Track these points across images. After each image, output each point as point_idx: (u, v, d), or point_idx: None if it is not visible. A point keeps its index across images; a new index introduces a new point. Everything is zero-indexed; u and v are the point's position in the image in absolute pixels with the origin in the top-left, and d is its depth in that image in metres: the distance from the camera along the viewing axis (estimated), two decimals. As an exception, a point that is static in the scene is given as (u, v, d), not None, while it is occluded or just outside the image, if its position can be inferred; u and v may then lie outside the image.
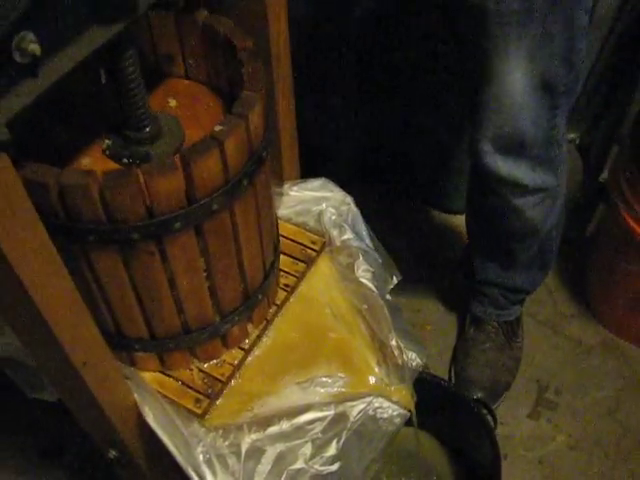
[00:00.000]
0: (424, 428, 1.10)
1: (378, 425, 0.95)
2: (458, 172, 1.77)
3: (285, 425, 0.92)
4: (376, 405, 0.95)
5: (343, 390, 0.99)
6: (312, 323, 1.06)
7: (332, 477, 0.91)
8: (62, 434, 1.47)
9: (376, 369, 1.03)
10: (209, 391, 0.93)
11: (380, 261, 1.12)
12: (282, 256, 1.06)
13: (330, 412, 0.93)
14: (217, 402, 0.94)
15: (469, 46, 1.07)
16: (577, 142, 1.97)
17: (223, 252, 0.82)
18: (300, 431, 0.92)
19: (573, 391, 1.56)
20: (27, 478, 1.46)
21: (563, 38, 1.01)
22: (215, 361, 0.97)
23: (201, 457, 0.87)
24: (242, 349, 0.99)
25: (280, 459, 0.90)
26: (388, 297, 1.09)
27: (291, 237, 1.11)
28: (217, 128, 0.71)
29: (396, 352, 1.01)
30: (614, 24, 1.67)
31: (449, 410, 1.31)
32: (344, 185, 1.18)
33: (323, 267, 1.12)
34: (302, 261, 1.09)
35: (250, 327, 0.99)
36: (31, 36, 0.58)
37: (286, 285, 1.06)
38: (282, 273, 1.06)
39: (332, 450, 0.91)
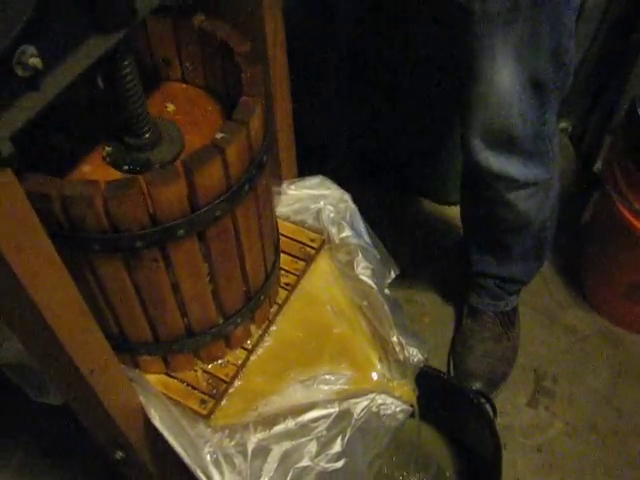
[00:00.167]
0: (424, 419, 1.11)
1: (382, 421, 0.96)
2: (451, 163, 1.78)
3: (290, 424, 0.93)
4: (379, 402, 0.96)
5: (346, 387, 1.00)
6: (313, 321, 1.07)
7: (337, 474, 0.92)
8: (64, 434, 1.47)
9: (378, 365, 1.04)
10: (214, 392, 0.94)
11: (379, 257, 1.13)
12: (282, 255, 1.07)
13: (334, 409, 0.94)
14: (222, 402, 0.95)
15: (456, 45, 1.07)
16: (569, 131, 1.98)
17: (226, 256, 0.83)
18: (305, 429, 0.93)
19: (570, 379, 1.58)
20: (29, 478, 1.46)
21: (550, 37, 1.02)
22: (219, 362, 0.97)
23: (208, 457, 0.88)
24: (245, 349, 0.99)
25: (286, 457, 0.91)
26: (387, 291, 1.10)
27: (290, 235, 1.12)
28: (218, 136, 0.71)
29: (397, 348, 1.02)
30: (605, 12, 1.67)
31: (449, 401, 1.33)
32: (338, 179, 1.19)
33: (322, 265, 1.13)
34: (302, 259, 1.10)
35: (253, 327, 1.00)
36: (32, 50, 0.58)
37: (286, 284, 1.07)
38: (282, 272, 1.07)
39: (337, 447, 0.92)
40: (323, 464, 0.91)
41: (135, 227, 0.71)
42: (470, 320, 1.58)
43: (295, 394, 0.99)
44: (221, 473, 0.88)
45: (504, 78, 1.04)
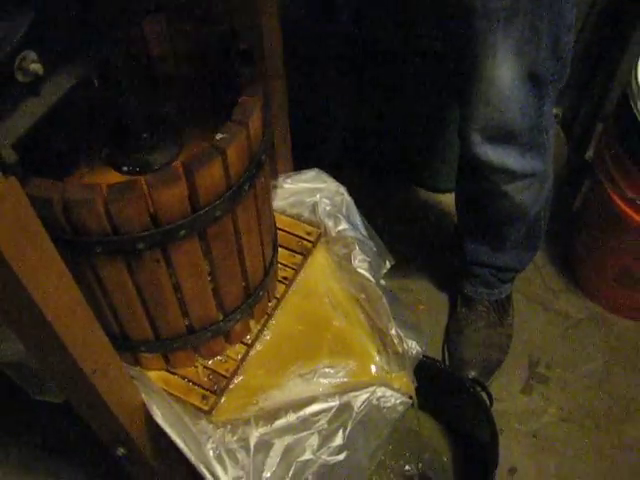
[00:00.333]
0: (421, 408, 1.12)
1: (382, 414, 0.97)
2: (444, 151, 1.78)
3: (291, 418, 0.94)
4: (379, 394, 0.97)
5: (345, 380, 1.01)
6: (311, 314, 1.08)
7: (339, 466, 0.93)
8: (64, 430, 1.48)
9: (377, 358, 1.05)
10: (215, 387, 0.95)
11: (375, 249, 1.13)
12: (279, 249, 1.07)
13: (335, 403, 0.95)
14: (223, 398, 0.96)
15: (457, 41, 1.07)
16: (560, 117, 1.98)
17: (226, 254, 0.83)
18: (306, 423, 0.94)
19: (563, 365, 1.60)
20: (29, 474, 1.46)
21: (550, 32, 1.02)
22: (219, 357, 0.98)
23: (211, 453, 0.89)
24: (245, 344, 1.00)
25: (288, 451, 0.92)
26: (382, 282, 1.11)
27: (287, 229, 1.13)
28: (218, 137, 0.71)
29: (396, 341, 1.03)
30: (594, -1, 1.68)
31: (445, 390, 1.34)
32: (332, 169, 1.19)
33: (319, 258, 1.13)
34: (299, 253, 1.10)
35: (252, 323, 1.00)
36: (33, 55, 0.58)
37: (284, 278, 1.07)
38: (280, 266, 1.07)
39: (338, 440, 0.93)
40: (325, 457, 0.92)
41: (137, 229, 0.71)
42: (464, 309, 1.59)
43: (295, 388, 1.00)
44: (224, 468, 0.89)
45: (504, 73, 1.04)
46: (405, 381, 1.03)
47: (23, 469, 1.47)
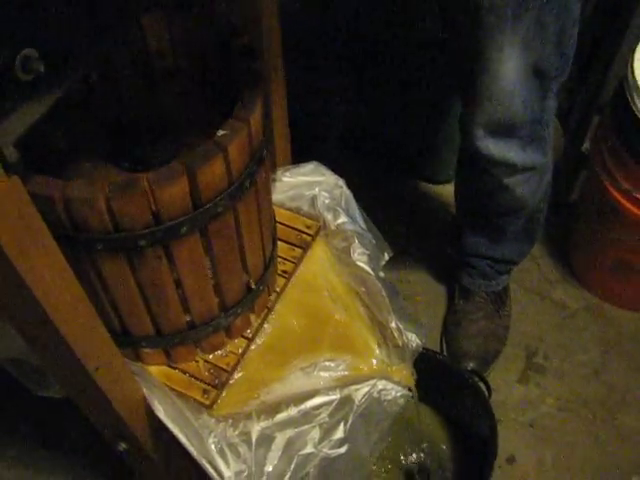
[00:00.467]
0: (420, 399, 1.13)
1: (383, 407, 0.98)
2: (443, 143, 1.79)
3: (293, 411, 0.94)
4: (380, 387, 0.97)
5: (346, 373, 1.02)
6: (312, 308, 1.08)
7: (341, 459, 0.94)
8: (62, 422, 1.48)
9: (377, 351, 1.05)
10: (216, 381, 0.95)
11: (374, 242, 1.14)
12: (279, 242, 1.07)
13: (336, 396, 0.95)
14: (224, 392, 0.96)
15: (463, 36, 1.07)
16: (555, 107, 1.98)
17: (227, 250, 0.83)
18: (308, 416, 0.94)
19: (560, 355, 1.61)
20: (29, 470, 1.47)
21: (556, 26, 1.02)
22: (220, 352, 0.98)
23: (213, 447, 0.89)
24: (245, 338, 1.00)
25: (290, 445, 0.92)
26: (381, 274, 1.11)
27: (286, 222, 1.13)
28: (220, 133, 0.71)
29: (396, 334, 1.03)
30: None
31: (444, 381, 1.35)
32: (331, 160, 1.19)
33: (319, 251, 1.13)
34: (298, 246, 1.10)
35: (252, 317, 1.00)
36: (34, 53, 0.58)
37: (284, 271, 1.07)
38: (279, 259, 1.07)
39: (340, 433, 0.94)
40: (326, 450, 0.93)
41: (138, 226, 0.71)
42: (462, 300, 1.60)
43: (296, 381, 1.00)
44: (226, 462, 0.89)
45: (510, 68, 1.04)
46: (405, 374, 1.04)
47: (22, 465, 1.48)
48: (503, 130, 1.12)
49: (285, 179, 1.15)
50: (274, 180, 1.13)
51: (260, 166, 0.80)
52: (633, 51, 1.35)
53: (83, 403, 0.94)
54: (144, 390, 0.91)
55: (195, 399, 0.93)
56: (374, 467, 1.37)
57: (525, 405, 1.53)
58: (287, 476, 0.91)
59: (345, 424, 0.94)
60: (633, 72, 1.31)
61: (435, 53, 1.54)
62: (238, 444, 0.91)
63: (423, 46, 1.56)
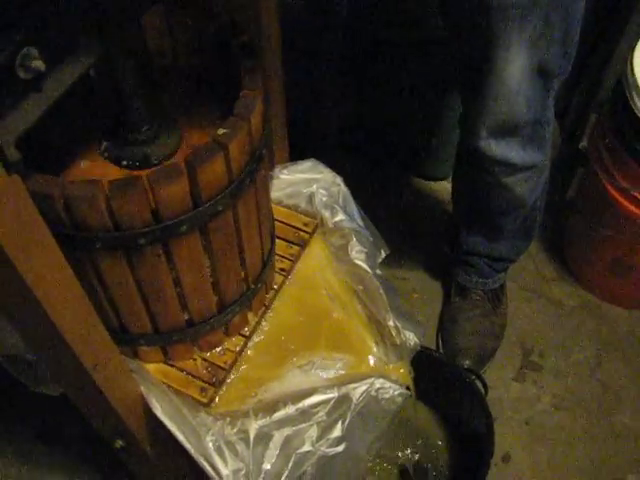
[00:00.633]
0: (417, 397, 1.13)
1: (380, 405, 0.98)
2: (440, 140, 1.78)
3: (290, 409, 0.94)
4: (378, 386, 0.97)
5: (343, 371, 1.02)
6: (309, 305, 1.08)
7: (338, 458, 0.94)
8: (60, 418, 1.48)
9: (375, 349, 1.05)
10: (213, 379, 0.95)
11: (371, 239, 1.13)
12: (277, 240, 1.07)
13: (333, 395, 0.95)
14: (222, 390, 0.96)
15: (470, 37, 1.06)
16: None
17: (226, 248, 0.83)
18: (305, 415, 0.94)
19: (556, 352, 1.61)
20: (25, 463, 1.47)
21: (562, 25, 1.02)
22: (217, 350, 0.98)
23: (211, 445, 0.89)
24: (243, 336, 1.00)
25: (287, 443, 0.92)
26: (378, 272, 1.11)
27: (284, 220, 1.12)
28: (220, 132, 0.71)
29: (394, 332, 1.03)
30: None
31: (441, 379, 1.35)
32: (328, 156, 1.19)
33: (316, 249, 1.13)
34: (296, 244, 1.10)
35: (250, 315, 1.00)
36: (34, 52, 0.57)
37: (282, 269, 1.07)
38: (277, 257, 1.07)
39: (337, 432, 0.94)
40: (324, 449, 0.93)
41: (138, 225, 0.71)
42: (458, 298, 1.60)
43: (294, 379, 1.00)
44: (224, 461, 0.89)
45: (516, 68, 1.04)
46: (403, 372, 1.04)
47: (20, 460, 1.47)
48: (506, 130, 1.12)
49: (283, 176, 1.14)
50: (272, 177, 1.13)
51: (260, 164, 0.80)
52: (633, 49, 1.35)
53: (80, 400, 0.94)
54: (142, 388, 0.91)
55: (193, 397, 0.93)
56: (370, 464, 1.37)
57: (521, 403, 1.53)
58: (285, 474, 0.91)
59: (343, 422, 0.94)
60: (632, 70, 1.31)
61: (433, 51, 1.54)
62: (236, 442, 0.91)
63: (421, 44, 1.55)
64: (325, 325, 1.06)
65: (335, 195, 1.15)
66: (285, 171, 1.15)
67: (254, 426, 0.92)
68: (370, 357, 1.04)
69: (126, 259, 0.75)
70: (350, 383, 0.97)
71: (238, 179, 0.75)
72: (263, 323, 1.04)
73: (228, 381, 0.97)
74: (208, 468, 0.88)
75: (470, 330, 1.55)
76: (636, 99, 1.30)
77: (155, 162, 0.79)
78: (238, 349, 0.99)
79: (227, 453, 0.90)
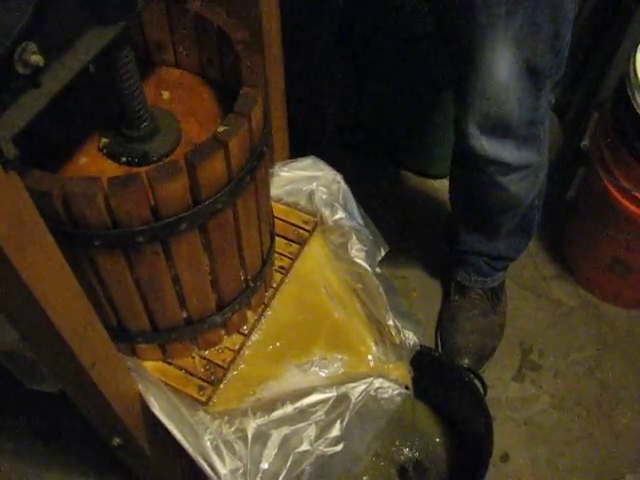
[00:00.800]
0: (416, 396, 1.13)
1: (379, 405, 0.97)
2: (439, 137, 1.78)
3: (289, 409, 0.93)
4: (377, 385, 0.97)
5: (342, 371, 1.01)
6: (308, 304, 1.07)
7: (336, 457, 0.93)
8: (59, 416, 1.47)
9: (374, 348, 1.05)
10: (212, 378, 0.95)
11: (371, 238, 1.13)
12: (276, 238, 1.06)
13: (332, 394, 0.95)
14: (220, 388, 0.95)
15: (456, 34, 1.07)
16: (553, 103, 1.98)
17: (225, 246, 0.82)
18: (304, 414, 0.93)
19: (555, 352, 1.61)
20: (24, 463, 1.46)
21: (549, 25, 1.02)
22: (216, 348, 0.97)
23: (209, 444, 0.89)
24: (242, 334, 1.00)
25: (285, 442, 0.92)
26: (378, 270, 1.10)
27: (283, 218, 1.12)
28: (221, 129, 0.70)
29: (393, 331, 1.03)
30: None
31: (440, 378, 1.35)
32: (328, 153, 1.18)
33: (316, 247, 1.13)
34: (295, 242, 1.09)
35: (249, 313, 1.00)
36: (33, 47, 0.57)
37: (281, 267, 1.06)
38: (276, 255, 1.06)
39: (336, 431, 0.93)
40: (322, 448, 0.92)
41: (137, 222, 0.70)
42: (458, 296, 1.60)
43: (292, 378, 1.00)
44: (222, 460, 0.89)
45: (503, 66, 1.04)
46: (402, 372, 1.04)
47: (19, 458, 1.47)
48: (497, 129, 1.11)
49: (283, 174, 1.14)
50: (272, 175, 1.12)
51: (260, 161, 0.79)
52: (636, 47, 1.35)
53: (78, 398, 0.93)
54: (140, 386, 0.91)
55: (191, 395, 0.93)
56: (368, 463, 1.37)
57: (520, 402, 1.53)
58: (283, 474, 0.90)
59: (341, 422, 0.94)
60: (635, 69, 1.31)
61: (432, 48, 1.53)
62: (234, 441, 0.90)
63: (420, 41, 1.55)
64: (324, 324, 1.06)
65: (335, 193, 1.14)
66: (285, 168, 1.14)
67: (252, 425, 0.92)
68: (369, 356, 1.04)
69: (124, 257, 0.74)
70: (349, 382, 0.97)
71: (238, 177, 0.75)
72: (262, 321, 1.03)
73: (226, 380, 0.97)
74: (206, 467, 0.88)
75: (469, 329, 1.55)
76: (638, 98, 1.29)
77: (154, 159, 0.79)
78: (237, 347, 0.98)
79: (225, 452, 0.89)
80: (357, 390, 0.96)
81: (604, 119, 1.47)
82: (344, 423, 0.94)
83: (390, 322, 1.03)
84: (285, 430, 0.92)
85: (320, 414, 0.94)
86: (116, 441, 1.00)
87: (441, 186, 1.88)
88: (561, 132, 1.90)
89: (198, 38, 0.86)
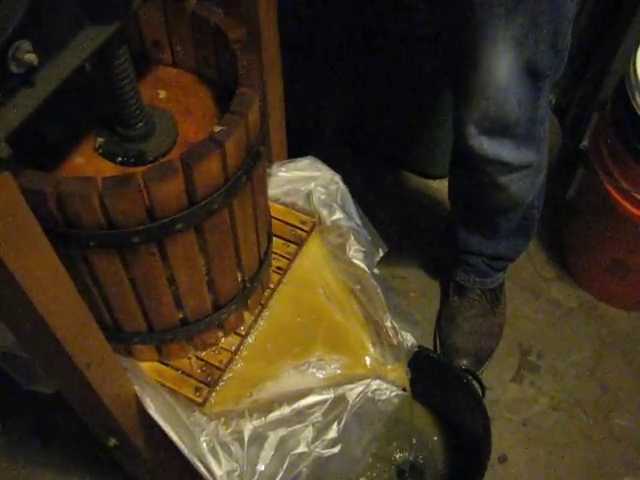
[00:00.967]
0: (413, 397, 1.12)
1: (377, 406, 0.97)
2: (438, 137, 1.77)
3: (286, 410, 0.93)
4: (374, 387, 0.97)
5: (340, 372, 1.01)
6: (306, 305, 1.07)
7: (334, 459, 0.93)
8: (56, 415, 1.47)
9: (371, 349, 1.04)
10: (208, 379, 0.94)
11: (369, 238, 1.13)
12: (274, 238, 1.06)
13: (329, 395, 0.94)
14: (216, 389, 0.95)
15: (456, 34, 1.06)
16: (553, 103, 1.97)
17: (222, 247, 0.82)
18: (301, 415, 0.93)
19: (554, 353, 1.60)
20: (21, 460, 1.45)
21: (550, 25, 1.01)
22: (212, 348, 0.97)
23: (205, 446, 0.88)
24: (239, 335, 0.99)
25: (282, 444, 0.91)
26: (376, 271, 1.10)
27: (281, 218, 1.11)
28: (217, 129, 0.70)
29: (391, 333, 1.02)
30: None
31: (438, 379, 1.34)
32: (326, 153, 1.18)
33: (314, 247, 1.12)
34: (293, 242, 1.09)
35: (246, 314, 0.99)
36: (27, 45, 0.56)
37: (278, 268, 1.06)
38: (274, 256, 1.06)
39: (333, 433, 0.93)
40: (319, 450, 0.92)
41: (132, 223, 0.69)
42: (456, 297, 1.59)
43: (290, 380, 0.99)
44: (218, 461, 0.88)
45: (503, 66, 1.03)
46: (400, 373, 1.03)
47: (16, 457, 1.46)
48: (497, 128, 1.11)
49: (281, 174, 1.13)
50: (269, 175, 1.12)
51: (257, 161, 0.78)
52: (636, 48, 1.34)
53: (74, 398, 0.93)
54: (135, 387, 0.90)
55: (187, 396, 0.92)
56: (366, 464, 1.36)
57: (518, 404, 1.53)
58: (279, 475, 0.90)
59: (339, 424, 0.93)
60: (635, 70, 1.30)
61: (432, 47, 1.53)
62: (230, 443, 0.90)
63: (419, 40, 1.54)
64: (322, 325, 1.05)
65: (333, 193, 1.14)
66: (283, 168, 1.13)
67: (249, 426, 0.91)
68: (367, 358, 1.04)
69: (120, 257, 0.74)
70: (346, 384, 0.96)
71: (234, 177, 0.74)
72: (259, 322, 1.03)
73: (223, 381, 0.96)
74: (202, 469, 0.87)
75: (468, 330, 1.54)
76: (638, 99, 1.29)
77: (150, 159, 0.78)
78: (234, 348, 0.98)
79: (221, 454, 0.89)
80: (354, 392, 0.96)
81: (604, 120, 1.47)
82: (341, 425, 0.93)
83: (388, 323, 1.03)
84: (282, 432, 0.92)
85: (317, 416, 0.93)
86: (112, 442, 0.99)
87: (440, 186, 1.87)
88: (560, 132, 1.90)
89: (195, 37, 0.85)
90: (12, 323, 0.74)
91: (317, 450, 0.92)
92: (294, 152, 1.18)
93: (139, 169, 0.69)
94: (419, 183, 1.91)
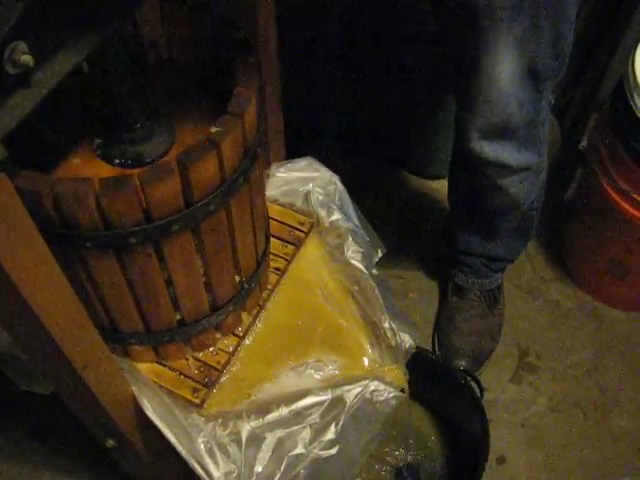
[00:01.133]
0: (411, 397, 1.12)
1: (375, 408, 0.97)
2: (437, 138, 1.77)
3: (284, 411, 0.93)
4: (372, 388, 0.96)
5: (337, 373, 1.01)
6: (304, 305, 1.07)
7: (331, 460, 0.93)
8: (55, 416, 1.46)
9: (369, 351, 1.04)
10: (206, 380, 0.94)
11: (367, 239, 1.12)
12: (272, 239, 1.06)
13: (327, 397, 0.94)
14: (214, 390, 0.95)
15: (458, 38, 1.06)
16: (552, 102, 1.97)
17: (219, 248, 0.82)
18: (299, 417, 0.93)
19: (553, 354, 1.60)
20: (18, 461, 1.45)
21: (551, 28, 1.01)
22: (210, 349, 0.97)
23: (202, 447, 0.88)
24: (236, 336, 0.99)
25: (280, 445, 0.91)
26: (375, 272, 1.10)
27: (279, 219, 1.11)
28: (213, 130, 0.70)
29: (389, 334, 1.02)
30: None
31: (437, 380, 1.34)
32: (324, 154, 1.18)
33: (312, 248, 1.12)
34: (291, 243, 1.09)
35: (244, 315, 0.99)
36: (23, 46, 0.56)
37: (276, 268, 1.06)
38: (272, 256, 1.06)
39: (330, 434, 0.93)
40: (317, 451, 0.92)
41: (129, 224, 0.69)
42: (455, 298, 1.59)
43: (287, 381, 0.99)
44: (216, 463, 0.88)
45: (505, 70, 1.03)
46: (398, 375, 1.03)
47: (15, 458, 1.46)
48: (498, 132, 1.11)
49: (279, 174, 1.13)
50: (268, 176, 1.12)
51: (254, 163, 0.78)
52: (634, 49, 1.34)
53: (71, 400, 0.93)
54: (133, 388, 0.90)
55: (185, 398, 0.92)
56: (363, 465, 1.36)
57: (517, 405, 1.52)
58: (277, 477, 0.90)
59: (336, 425, 0.93)
60: (634, 71, 1.30)
61: (432, 48, 1.53)
62: (228, 444, 0.90)
63: (420, 41, 1.54)
64: (320, 326, 1.05)
65: (331, 194, 1.14)
66: (281, 169, 1.13)
67: (246, 428, 0.91)
68: (365, 359, 1.03)
69: (117, 258, 0.74)
70: (344, 385, 0.96)
71: (231, 178, 0.74)
72: (257, 323, 1.03)
73: (221, 382, 0.96)
74: (199, 470, 0.87)
75: (467, 331, 1.54)
76: (637, 100, 1.28)
77: (148, 161, 0.78)
78: (231, 349, 0.98)
79: (219, 455, 0.89)
80: (352, 393, 0.96)
81: (602, 120, 1.47)
82: (339, 426, 0.93)
83: (386, 324, 1.03)
84: (280, 433, 0.92)
85: (315, 417, 0.93)
86: (110, 443, 0.99)
87: (439, 187, 1.87)
88: (560, 133, 1.90)
89: (192, 37, 0.85)
90: (8, 324, 0.73)
91: (315, 451, 0.92)
92: (293, 152, 1.18)
93: (136, 171, 0.69)
94: (418, 183, 1.91)
